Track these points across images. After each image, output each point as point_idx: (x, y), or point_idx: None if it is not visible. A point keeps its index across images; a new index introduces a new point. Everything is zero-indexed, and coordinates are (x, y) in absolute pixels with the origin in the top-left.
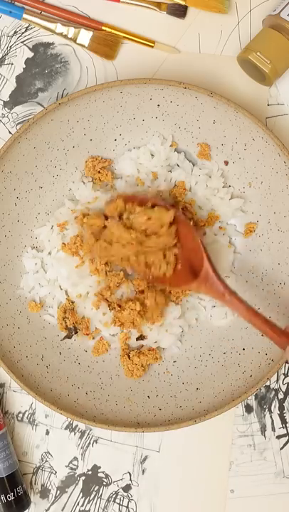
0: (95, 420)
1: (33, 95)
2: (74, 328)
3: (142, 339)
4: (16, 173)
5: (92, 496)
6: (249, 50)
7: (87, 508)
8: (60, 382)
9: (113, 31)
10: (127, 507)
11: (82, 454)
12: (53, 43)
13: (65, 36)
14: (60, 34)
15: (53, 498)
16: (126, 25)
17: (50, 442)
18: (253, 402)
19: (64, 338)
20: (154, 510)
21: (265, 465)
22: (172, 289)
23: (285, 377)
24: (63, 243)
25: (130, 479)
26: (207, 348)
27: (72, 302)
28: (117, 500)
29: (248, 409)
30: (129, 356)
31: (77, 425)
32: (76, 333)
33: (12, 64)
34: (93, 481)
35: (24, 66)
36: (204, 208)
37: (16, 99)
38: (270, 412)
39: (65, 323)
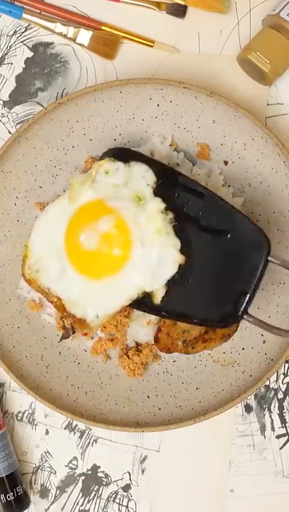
0: (95, 420)
1: (32, 95)
2: (72, 327)
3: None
4: (16, 172)
5: (92, 495)
6: (249, 50)
7: (86, 508)
8: (59, 381)
9: (113, 31)
10: (127, 507)
11: (81, 454)
12: (52, 43)
13: (65, 36)
14: (60, 34)
15: (53, 497)
16: (125, 24)
17: (49, 442)
18: (252, 402)
19: (62, 339)
20: (154, 510)
21: (264, 465)
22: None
23: (285, 377)
24: None
25: (130, 479)
26: None
27: None
28: (117, 500)
29: (248, 408)
30: (128, 356)
31: (76, 425)
32: (74, 332)
33: (12, 64)
34: (93, 480)
35: (24, 66)
36: None
37: (15, 98)
38: (270, 411)
39: (63, 322)
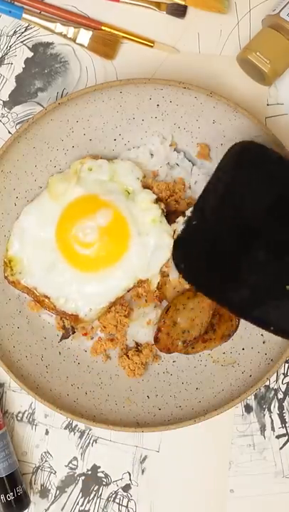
0: (95, 420)
1: (32, 95)
2: (72, 327)
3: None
4: (16, 173)
5: (92, 495)
6: (248, 50)
7: (86, 508)
8: (59, 382)
9: (113, 31)
10: (127, 507)
11: (81, 454)
12: (52, 43)
13: (65, 36)
14: (60, 34)
15: (53, 497)
16: (125, 24)
17: (49, 442)
18: (252, 402)
19: (61, 339)
20: (154, 510)
21: (264, 465)
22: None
23: (285, 377)
24: None
25: (130, 479)
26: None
27: None
28: (117, 500)
29: (248, 409)
30: (128, 356)
31: (76, 425)
32: (74, 332)
33: (12, 64)
34: (93, 480)
35: (24, 66)
36: None
37: (15, 99)
38: (270, 411)
39: (63, 322)
